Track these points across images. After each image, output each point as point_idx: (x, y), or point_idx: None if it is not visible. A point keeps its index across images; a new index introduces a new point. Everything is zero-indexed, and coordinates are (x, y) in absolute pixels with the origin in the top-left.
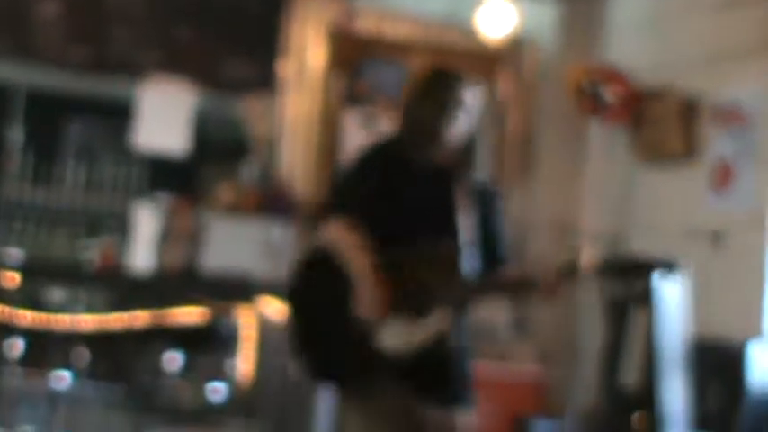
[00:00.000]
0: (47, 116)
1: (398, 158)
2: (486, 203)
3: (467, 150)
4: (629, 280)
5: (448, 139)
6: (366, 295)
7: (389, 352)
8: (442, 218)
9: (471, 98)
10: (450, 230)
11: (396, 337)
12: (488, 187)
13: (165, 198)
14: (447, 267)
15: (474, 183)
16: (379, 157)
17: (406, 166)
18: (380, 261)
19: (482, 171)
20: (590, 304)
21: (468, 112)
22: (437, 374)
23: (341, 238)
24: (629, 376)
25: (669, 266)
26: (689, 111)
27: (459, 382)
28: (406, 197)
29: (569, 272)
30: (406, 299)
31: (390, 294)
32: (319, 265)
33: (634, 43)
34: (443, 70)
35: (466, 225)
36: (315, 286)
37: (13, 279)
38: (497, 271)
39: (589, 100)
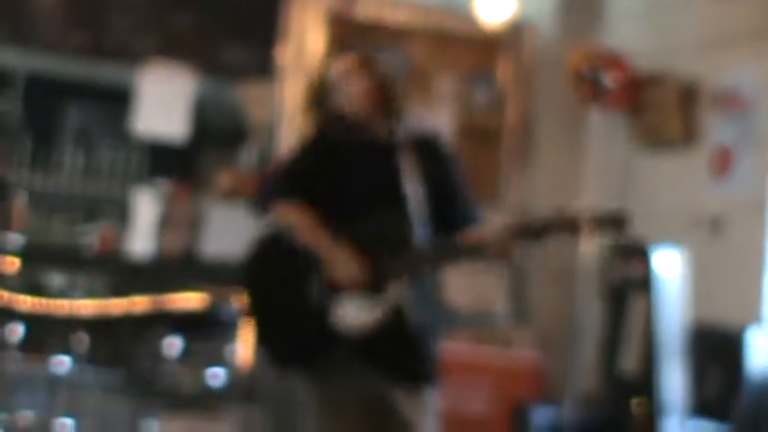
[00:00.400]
0: (46, 101)
1: (331, 140)
2: (435, 163)
3: (383, 106)
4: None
5: (352, 113)
6: (343, 265)
7: (349, 330)
8: (387, 190)
9: (343, 66)
10: (400, 202)
11: (353, 314)
12: (429, 140)
13: (164, 184)
14: (398, 239)
15: (414, 138)
16: (316, 142)
17: (340, 146)
18: (332, 239)
19: (410, 122)
20: (589, 290)
21: (350, 78)
22: (398, 351)
23: (294, 219)
24: (629, 362)
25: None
26: (688, 96)
27: (421, 359)
28: (346, 176)
29: (521, 233)
30: (360, 275)
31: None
32: (273, 250)
33: (633, 29)
34: (322, 61)
35: (415, 193)
36: (270, 272)
37: (13, 264)
38: (452, 237)
39: (589, 85)
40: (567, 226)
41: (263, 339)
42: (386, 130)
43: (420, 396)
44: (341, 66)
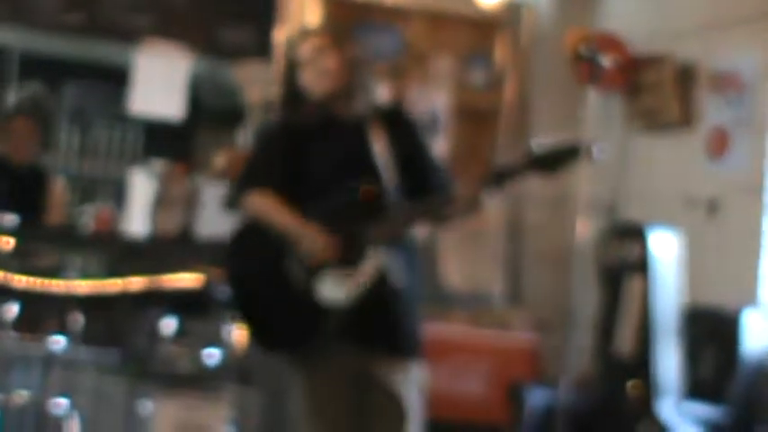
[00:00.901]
0: (41, 81)
1: (294, 123)
2: (403, 131)
3: (352, 82)
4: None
5: (319, 92)
6: (314, 239)
7: (331, 305)
8: (355, 165)
9: (307, 46)
10: (368, 174)
11: (334, 289)
12: (395, 110)
13: (159, 163)
14: (368, 208)
15: (381, 111)
16: (278, 128)
17: (303, 128)
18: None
19: (371, 97)
20: (585, 271)
21: (320, 55)
22: (381, 325)
23: (263, 205)
24: (624, 344)
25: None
26: (685, 78)
27: (405, 333)
28: (311, 156)
29: (486, 180)
30: (338, 248)
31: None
32: (250, 238)
33: (631, 10)
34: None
35: (385, 164)
36: (248, 260)
37: (8, 243)
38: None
39: (586, 66)
40: (529, 166)
41: (248, 326)
42: (352, 107)
43: (405, 369)
44: (308, 45)
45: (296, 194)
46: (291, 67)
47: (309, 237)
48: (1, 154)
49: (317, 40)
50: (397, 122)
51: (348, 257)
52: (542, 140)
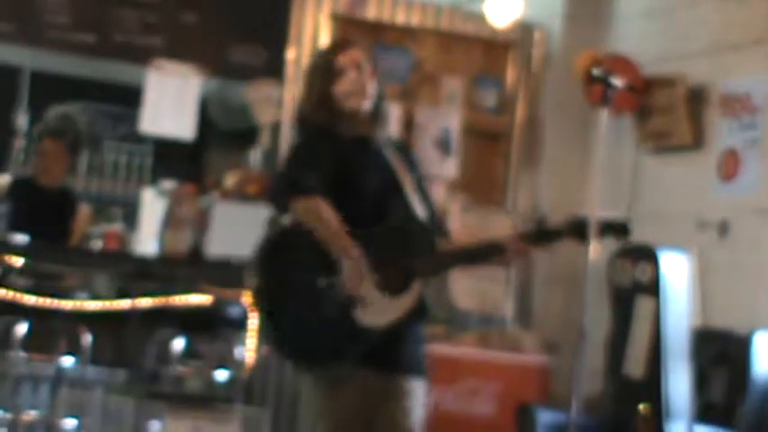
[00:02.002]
0: (52, 100)
1: (335, 133)
2: (414, 165)
3: (378, 111)
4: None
5: (351, 106)
6: (356, 271)
7: (369, 330)
8: (397, 185)
9: (350, 58)
10: (404, 203)
11: (376, 315)
12: (405, 144)
13: (170, 183)
14: (421, 242)
15: (393, 143)
16: (321, 134)
17: (346, 139)
18: (355, 238)
19: (389, 129)
20: (596, 293)
21: (360, 73)
22: (406, 347)
23: (318, 216)
24: (635, 366)
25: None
26: (697, 100)
27: (412, 349)
28: (361, 171)
29: (535, 238)
30: (383, 276)
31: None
32: (290, 245)
33: (642, 32)
34: (323, 48)
35: (415, 194)
36: (284, 267)
37: (19, 263)
38: (459, 241)
39: (598, 88)
40: (578, 232)
41: (277, 337)
42: (377, 129)
43: (418, 387)
44: (351, 56)
45: (344, 206)
46: (324, 71)
47: (355, 268)
48: (30, 175)
49: (360, 55)
50: (408, 155)
51: (393, 286)
52: (589, 212)
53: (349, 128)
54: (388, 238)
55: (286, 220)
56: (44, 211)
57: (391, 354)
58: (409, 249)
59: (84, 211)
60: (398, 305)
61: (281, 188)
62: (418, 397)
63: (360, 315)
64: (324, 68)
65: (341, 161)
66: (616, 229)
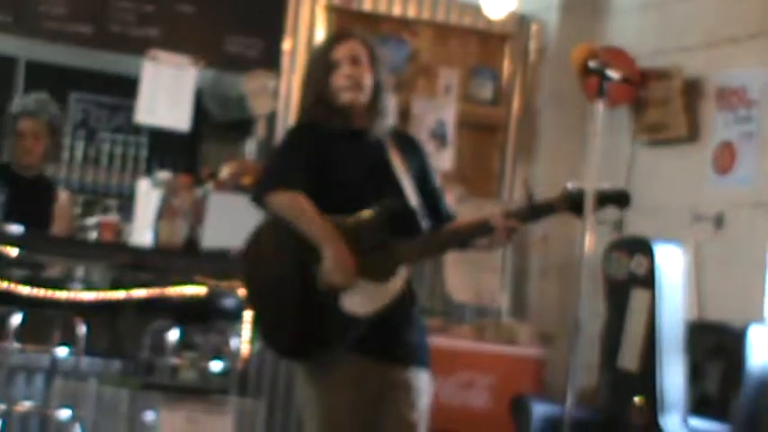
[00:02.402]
0: (48, 91)
1: (324, 127)
2: (417, 157)
3: (377, 103)
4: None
5: (345, 100)
6: (337, 260)
7: (357, 317)
8: (383, 178)
9: (345, 51)
10: (396, 189)
11: (362, 302)
12: (410, 137)
13: (166, 174)
14: (405, 226)
15: (395, 134)
16: (308, 129)
17: (333, 133)
18: (337, 228)
19: (390, 121)
20: (591, 285)
21: (353, 64)
22: (395, 333)
23: (293, 208)
24: (630, 359)
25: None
26: (693, 93)
27: (415, 341)
28: (343, 163)
29: (526, 214)
30: (369, 263)
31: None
32: (274, 237)
33: (638, 24)
34: (322, 41)
35: (408, 184)
36: (271, 259)
37: (13, 253)
38: (448, 224)
39: (594, 80)
40: (573, 205)
41: (265, 329)
42: (374, 122)
43: (419, 380)
44: (347, 48)
45: (325, 198)
46: (320, 64)
47: (337, 254)
48: (7, 162)
49: (356, 47)
50: (411, 146)
51: (378, 272)
52: (578, 183)
53: (342, 121)
54: (371, 223)
55: (267, 213)
56: (22, 198)
57: (390, 343)
58: (394, 234)
59: (63, 197)
60: (384, 291)
61: (259, 184)
62: (423, 390)
63: (345, 303)
64: (320, 62)
65: (323, 155)
66: (615, 198)
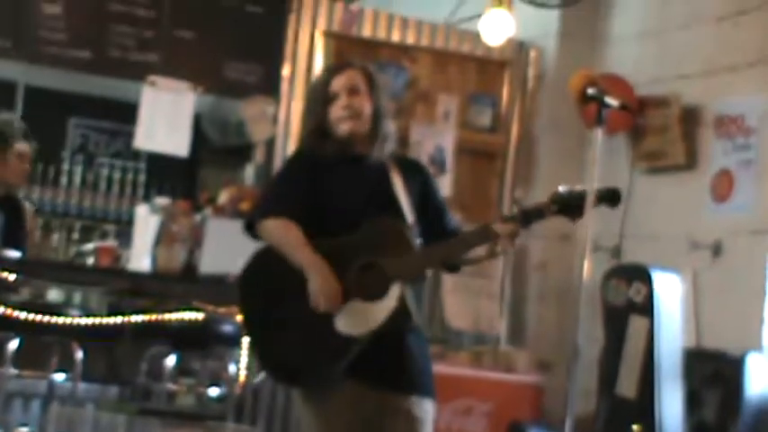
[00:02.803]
0: (47, 116)
1: (321, 156)
2: (419, 178)
3: (377, 130)
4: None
5: (344, 131)
6: (321, 287)
7: (348, 338)
8: (379, 203)
9: (343, 82)
10: (392, 211)
11: (356, 322)
12: (413, 161)
13: (164, 200)
14: (395, 243)
15: (397, 159)
16: (304, 158)
17: (330, 162)
18: (324, 251)
19: (391, 145)
20: (589, 312)
21: (351, 94)
22: (397, 360)
23: (281, 235)
24: (628, 386)
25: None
26: (691, 121)
27: (416, 368)
28: (335, 190)
29: (523, 218)
30: (360, 282)
31: (342, 282)
32: (268, 263)
33: (635, 53)
34: (320, 72)
35: (407, 204)
36: (266, 285)
37: (10, 279)
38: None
39: (592, 107)
40: (564, 206)
41: (261, 355)
42: (372, 150)
43: (420, 408)
44: (345, 79)
45: (317, 226)
46: (319, 96)
47: (320, 281)
48: None
49: (355, 76)
50: (413, 168)
51: (371, 292)
52: (570, 185)
53: (339, 149)
54: (361, 243)
55: (259, 244)
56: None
57: (389, 368)
58: (386, 253)
59: (29, 210)
60: (378, 310)
61: (251, 212)
62: (425, 419)
63: (339, 324)
64: (319, 95)
65: (321, 183)
66: (607, 197)
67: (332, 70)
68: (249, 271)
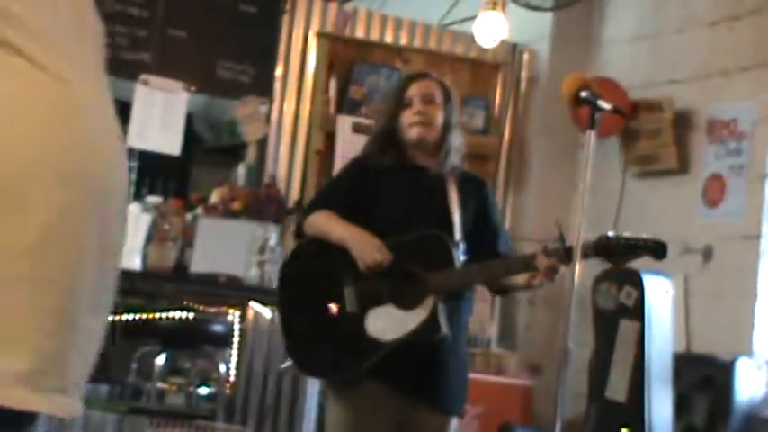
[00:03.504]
0: None
1: (372, 161)
2: (478, 196)
3: (444, 142)
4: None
5: (412, 137)
6: (364, 244)
7: (380, 342)
8: (429, 212)
9: (420, 89)
10: (440, 223)
11: (386, 328)
12: (475, 178)
13: (155, 198)
14: (438, 257)
15: (460, 174)
16: (355, 164)
17: (379, 166)
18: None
19: (460, 161)
20: (580, 316)
21: (426, 102)
22: (425, 373)
23: (323, 222)
24: (618, 389)
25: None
26: (683, 125)
27: (448, 387)
28: (384, 199)
29: (567, 255)
30: (398, 289)
31: (378, 284)
32: (306, 260)
33: (628, 57)
34: (399, 80)
35: (459, 220)
36: (304, 279)
37: None
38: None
39: (585, 111)
40: (614, 251)
41: (295, 348)
42: (437, 159)
43: (444, 427)
44: (422, 87)
45: (371, 229)
46: (394, 101)
47: (364, 240)
48: None
49: (432, 86)
50: (474, 185)
51: (406, 300)
52: (618, 232)
53: (399, 160)
54: (404, 250)
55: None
56: None
57: (417, 379)
58: (427, 265)
59: None
60: (409, 319)
61: (297, 221)
62: None
63: (369, 327)
64: (394, 98)
65: (368, 189)
66: (651, 249)
67: (411, 77)
68: (287, 268)
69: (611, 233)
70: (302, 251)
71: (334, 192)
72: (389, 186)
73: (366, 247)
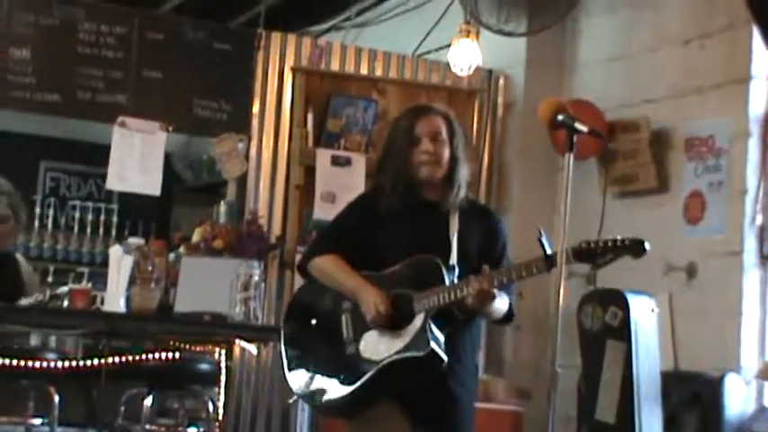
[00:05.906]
0: (18, 160)
1: (376, 203)
2: (483, 226)
3: (452, 176)
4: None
5: (422, 176)
6: (375, 300)
7: (373, 362)
8: (428, 241)
9: (427, 127)
10: (435, 251)
11: (374, 347)
12: (482, 207)
13: (137, 240)
14: (429, 279)
15: (467, 203)
16: (361, 205)
17: (386, 206)
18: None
19: (468, 192)
20: (566, 338)
21: (433, 140)
22: (434, 402)
23: (329, 268)
24: (607, 410)
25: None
26: (661, 144)
27: (458, 414)
28: (387, 234)
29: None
30: (393, 309)
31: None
32: (309, 301)
33: (603, 79)
34: (406, 110)
35: (457, 246)
36: (307, 313)
37: None
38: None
39: (563, 134)
40: (593, 254)
41: (306, 391)
42: (449, 195)
43: None
44: (429, 125)
45: (368, 262)
46: (403, 137)
47: (372, 294)
48: None
49: (437, 122)
50: (480, 216)
51: (395, 319)
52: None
53: (408, 198)
54: (395, 276)
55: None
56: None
57: (411, 402)
58: (418, 287)
59: (23, 262)
60: (398, 339)
61: (303, 255)
62: None
63: (361, 348)
64: (402, 135)
65: (375, 223)
66: (631, 248)
67: (416, 113)
68: (290, 309)
69: (589, 239)
70: (304, 292)
71: (339, 231)
72: (396, 220)
73: (371, 299)
